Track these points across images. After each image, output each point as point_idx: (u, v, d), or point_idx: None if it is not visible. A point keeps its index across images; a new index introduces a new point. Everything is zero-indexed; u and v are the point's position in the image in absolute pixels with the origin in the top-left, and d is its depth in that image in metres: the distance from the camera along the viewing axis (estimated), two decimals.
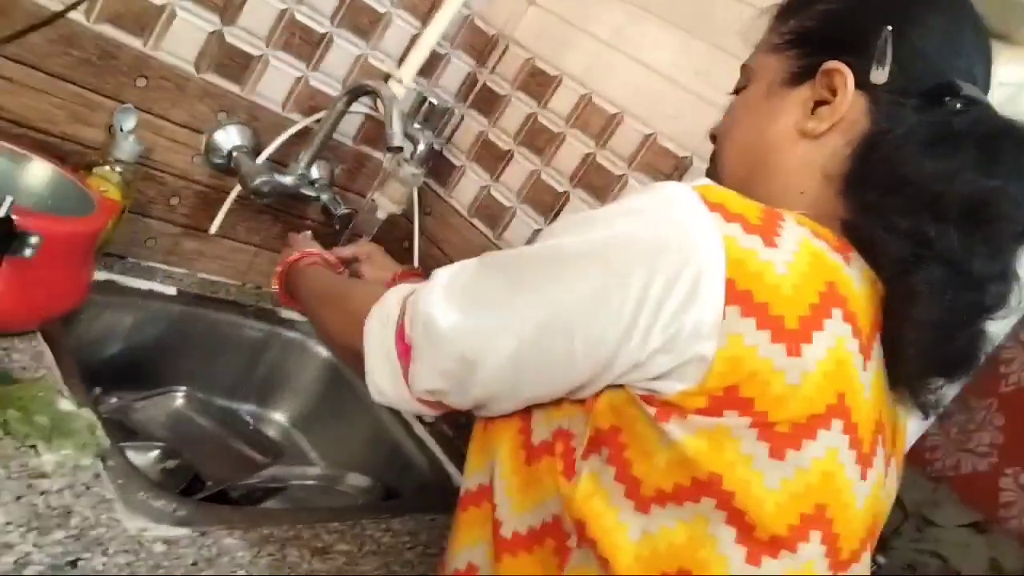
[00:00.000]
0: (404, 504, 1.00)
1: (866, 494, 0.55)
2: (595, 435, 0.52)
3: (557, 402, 0.56)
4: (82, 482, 0.64)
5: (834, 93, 0.61)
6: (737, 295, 0.48)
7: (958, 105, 0.57)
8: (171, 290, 1.09)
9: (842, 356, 0.51)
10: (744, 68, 0.71)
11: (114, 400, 1.00)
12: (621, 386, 0.52)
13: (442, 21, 1.14)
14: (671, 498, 0.50)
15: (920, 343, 0.54)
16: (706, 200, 0.51)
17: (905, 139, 0.56)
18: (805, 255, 0.51)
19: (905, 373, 0.56)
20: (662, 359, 0.49)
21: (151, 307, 1.05)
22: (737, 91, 0.71)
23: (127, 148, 0.92)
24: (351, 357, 0.66)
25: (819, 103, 0.62)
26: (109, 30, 0.90)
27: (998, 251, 0.55)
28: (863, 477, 0.54)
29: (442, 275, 0.61)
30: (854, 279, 0.54)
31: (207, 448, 1.00)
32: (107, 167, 0.92)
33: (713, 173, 0.70)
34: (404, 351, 0.60)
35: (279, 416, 1.24)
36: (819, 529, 0.51)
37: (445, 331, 0.56)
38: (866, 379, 0.53)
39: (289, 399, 1.24)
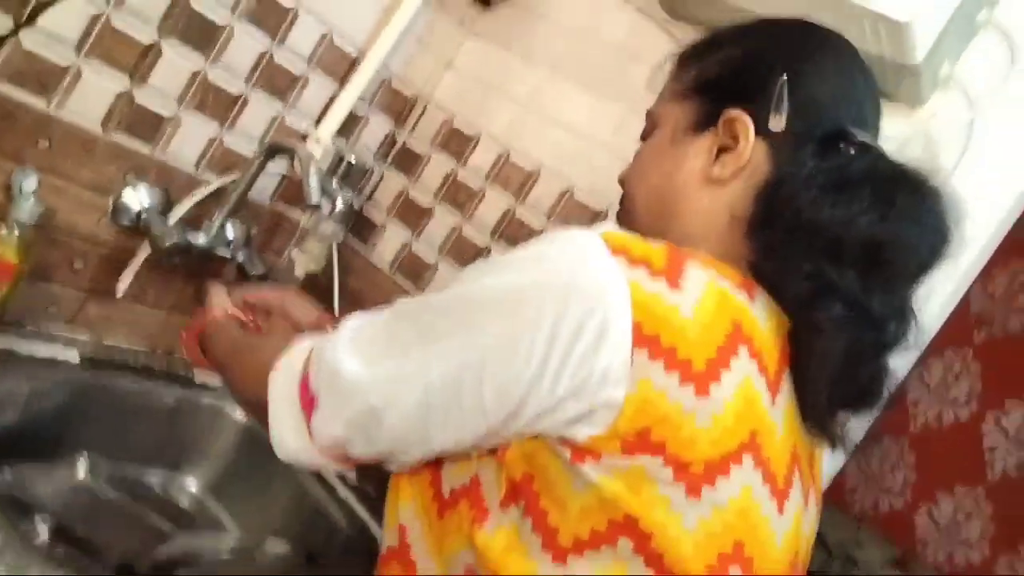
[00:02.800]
0: (327, 571, 0.96)
1: (785, 528, 0.56)
2: (510, 486, 0.52)
3: (466, 453, 0.55)
4: None
5: (736, 140, 0.63)
6: (644, 339, 0.49)
7: (852, 151, 0.60)
8: (73, 357, 1.03)
9: (750, 394, 0.52)
10: (649, 115, 0.73)
11: (7, 475, 0.93)
12: (533, 436, 0.52)
13: (360, 83, 1.15)
14: (588, 544, 0.49)
15: (825, 378, 0.56)
16: (609, 245, 0.52)
17: (805, 185, 0.58)
18: (711, 295, 0.52)
19: (812, 407, 0.58)
20: (571, 405, 0.49)
21: (51, 375, 0.99)
22: (644, 137, 0.74)
23: (26, 210, 0.89)
24: (259, 411, 0.64)
25: (722, 149, 0.64)
26: (9, 89, 0.87)
27: (895, 291, 0.58)
28: (780, 511, 0.55)
29: (350, 324, 0.60)
30: (759, 317, 0.55)
31: (110, 520, 0.94)
32: (4, 230, 0.88)
33: (623, 217, 0.72)
34: (308, 402, 0.58)
35: (191, 482, 1.18)
36: (738, 567, 0.52)
37: (350, 380, 0.56)
38: (776, 415, 0.55)
39: (202, 465, 1.18)
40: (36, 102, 0.89)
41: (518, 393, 0.50)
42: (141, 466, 1.06)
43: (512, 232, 1.17)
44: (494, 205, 1.20)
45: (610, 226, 0.56)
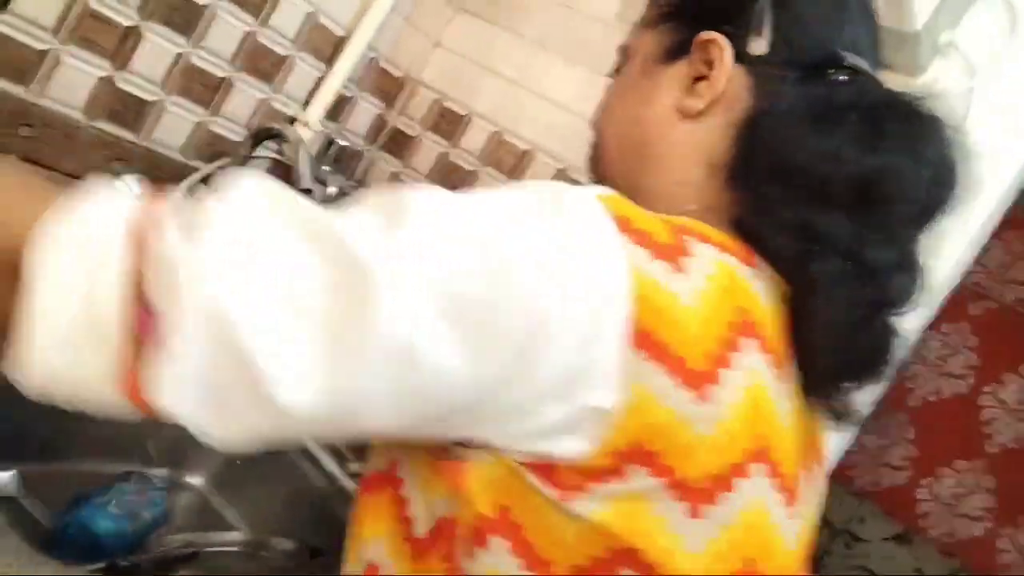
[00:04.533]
0: (331, 562, 0.95)
1: (796, 529, 0.51)
2: (481, 524, 0.43)
3: (428, 479, 0.46)
4: None
5: (711, 66, 0.55)
6: (640, 336, 0.41)
7: (841, 77, 0.53)
8: None
9: (758, 391, 0.45)
10: (620, 49, 0.65)
11: (8, 475, 0.92)
12: (497, 459, 0.42)
13: (347, 64, 1.13)
14: (590, 571, 0.43)
15: (824, 346, 0.49)
16: (616, 219, 0.43)
17: (785, 117, 0.51)
18: (719, 279, 0.45)
19: (814, 380, 0.51)
20: (553, 408, 0.41)
21: None
22: (615, 73, 0.66)
23: None
24: None
25: (697, 79, 0.56)
26: None
27: (894, 237, 0.50)
28: (791, 515, 0.50)
29: (231, 200, 0.39)
30: (760, 293, 0.48)
31: None
32: None
33: (594, 163, 0.65)
34: (143, 324, 0.36)
35: (195, 479, 1.17)
36: None
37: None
38: (785, 405, 0.48)
39: (205, 461, 1.17)
40: (15, 89, 0.87)
41: (494, 370, 0.40)
42: (142, 465, 1.04)
43: None
44: (489, 186, 1.18)
45: (608, 190, 0.47)
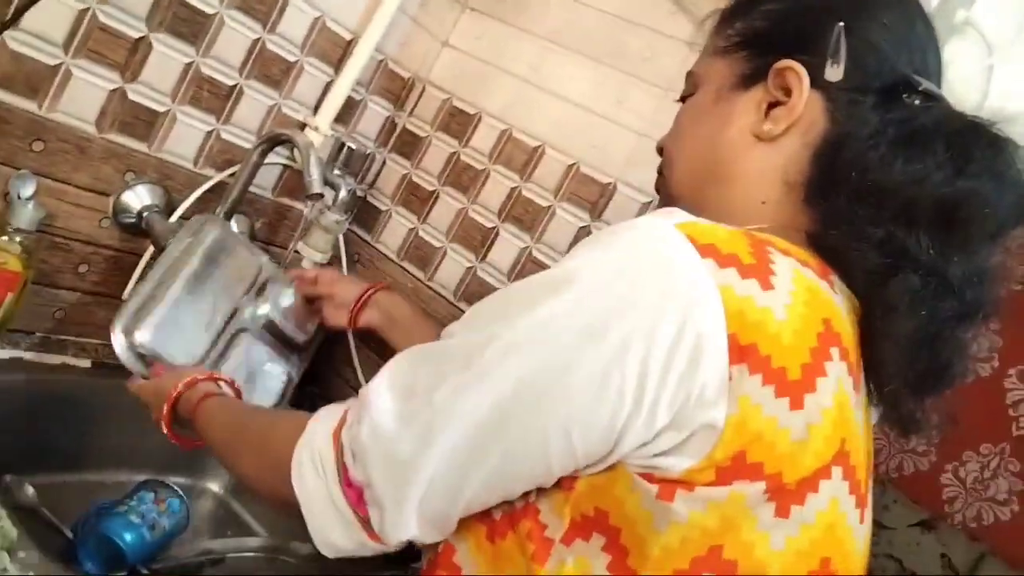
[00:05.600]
0: (353, 564, 0.95)
1: (864, 533, 0.53)
2: (580, 520, 0.47)
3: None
4: None
5: (788, 93, 0.58)
6: (741, 351, 0.44)
7: (917, 101, 0.55)
8: (85, 363, 1.02)
9: (843, 398, 0.48)
10: (690, 75, 0.67)
11: (28, 487, 0.92)
12: (611, 465, 0.47)
13: (355, 67, 1.12)
14: None
15: (900, 359, 0.51)
16: (695, 243, 0.46)
17: (872, 140, 0.53)
18: (801, 293, 0.48)
19: (887, 391, 0.53)
20: (670, 435, 0.44)
21: (64, 383, 0.99)
22: (683, 99, 0.68)
23: (26, 216, 0.87)
24: (278, 504, 0.57)
25: (772, 104, 0.59)
26: None
27: (973, 253, 0.53)
28: (861, 520, 0.52)
29: (376, 387, 0.51)
30: (842, 308, 0.51)
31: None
32: (5, 237, 0.86)
33: (663, 186, 0.67)
34: (357, 499, 0.51)
35: (213, 486, 1.17)
36: None
37: (406, 451, 0.48)
38: (859, 415, 0.51)
39: (222, 468, 1.17)
40: (27, 104, 0.88)
41: (613, 434, 0.45)
42: (162, 473, 1.04)
43: (519, 212, 1.15)
44: (500, 184, 1.17)
45: (685, 216, 0.50)
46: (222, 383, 0.82)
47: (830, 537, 0.48)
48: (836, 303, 0.50)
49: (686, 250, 0.46)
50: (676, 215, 0.50)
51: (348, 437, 0.51)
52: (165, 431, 0.78)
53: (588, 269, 0.47)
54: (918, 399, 0.54)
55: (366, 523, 0.51)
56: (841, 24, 0.56)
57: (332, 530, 0.53)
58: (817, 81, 0.57)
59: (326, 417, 0.55)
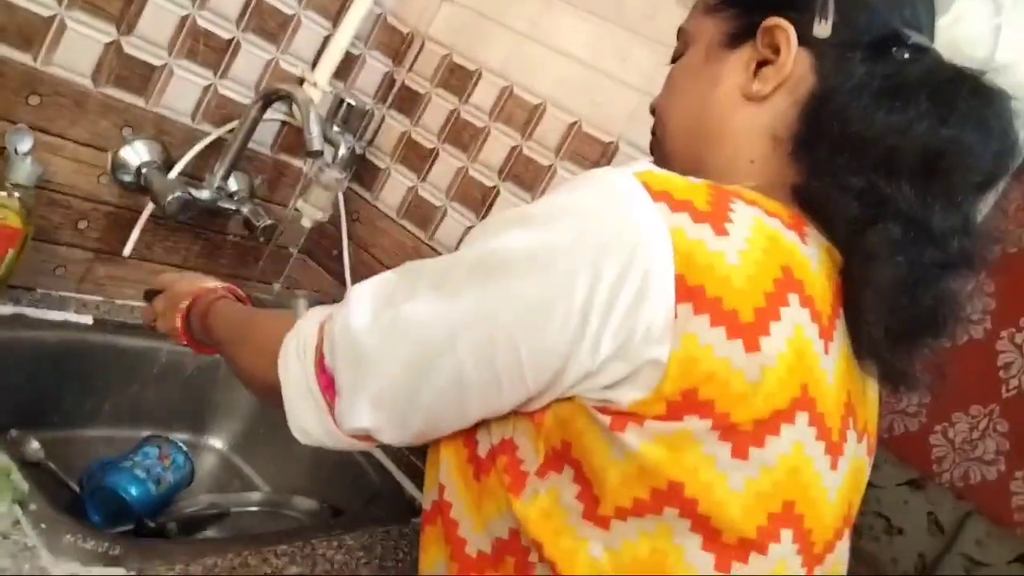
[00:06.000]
0: (355, 519, 0.97)
1: (838, 484, 0.53)
2: (551, 453, 0.49)
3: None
4: None
5: (777, 51, 0.58)
6: (688, 291, 0.45)
7: (906, 55, 0.55)
8: (87, 319, 1.02)
9: (802, 345, 0.49)
10: (680, 32, 0.67)
11: (34, 442, 0.93)
12: (569, 397, 0.49)
13: (353, 21, 1.10)
14: (631, 512, 0.47)
15: (881, 308, 0.51)
16: (650, 189, 0.48)
17: (855, 93, 0.53)
18: (759, 240, 0.48)
19: (869, 343, 0.53)
20: (615, 366, 0.46)
21: (67, 339, 0.99)
22: (675, 59, 0.68)
23: (25, 171, 0.86)
24: (269, 393, 0.60)
25: (762, 63, 0.59)
26: None
27: (957, 203, 0.53)
28: (833, 467, 0.52)
29: (360, 289, 0.56)
30: (811, 258, 0.51)
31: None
32: (4, 193, 0.86)
33: (657, 146, 0.67)
34: (327, 383, 0.54)
35: (216, 442, 1.19)
36: (789, 527, 0.49)
37: (369, 349, 0.52)
38: (829, 364, 0.51)
39: (225, 424, 1.18)
40: (21, 57, 0.86)
41: (558, 358, 0.47)
42: (165, 429, 1.05)
43: (520, 170, 1.14)
44: (500, 143, 1.16)
45: (646, 163, 0.52)
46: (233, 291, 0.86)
47: (793, 481, 0.49)
48: (803, 252, 0.51)
49: (638, 193, 0.48)
50: (637, 165, 0.51)
51: (328, 328, 0.55)
52: (179, 325, 0.80)
53: (548, 207, 0.50)
54: (904, 351, 0.54)
55: (332, 407, 0.54)
56: None
57: (306, 414, 0.56)
58: (805, 38, 0.57)
59: (317, 311, 0.60)
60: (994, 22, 0.85)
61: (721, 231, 0.47)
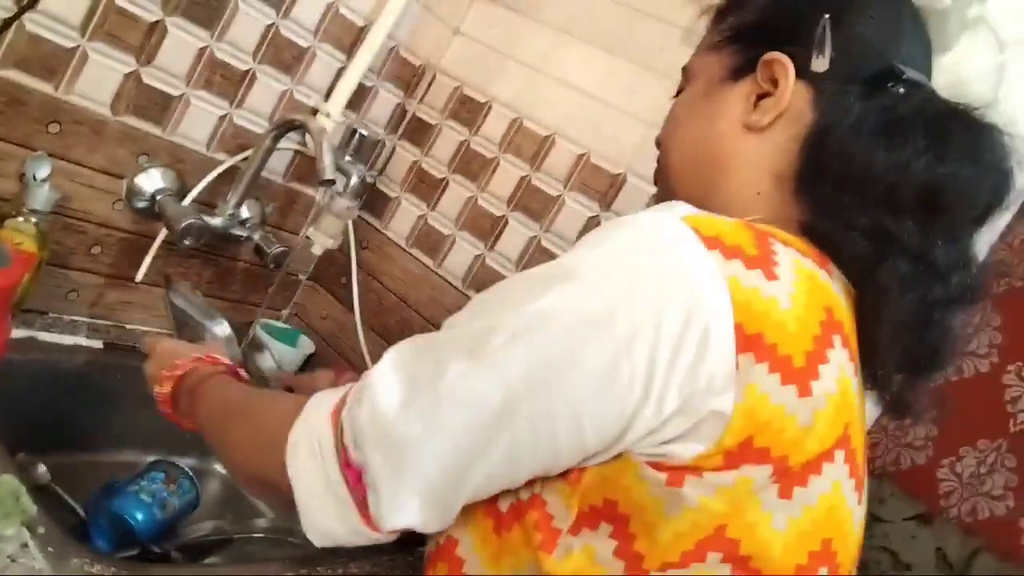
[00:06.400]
0: (360, 547, 0.96)
1: (860, 517, 0.54)
2: (588, 511, 0.47)
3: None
4: (7, 554, 0.59)
5: (776, 84, 0.59)
6: (747, 341, 0.45)
7: (901, 90, 0.56)
8: (98, 344, 1.03)
9: (846, 384, 0.49)
10: (684, 70, 0.69)
11: (41, 466, 0.94)
12: (617, 454, 0.47)
13: (367, 54, 1.13)
14: (678, 565, 0.46)
15: (892, 342, 0.52)
16: (701, 236, 0.47)
17: (854, 130, 0.54)
18: (803, 282, 0.49)
19: (880, 375, 0.54)
20: (678, 421, 0.45)
21: (77, 363, 1.00)
22: (678, 94, 0.70)
23: (41, 197, 0.88)
24: (262, 488, 0.56)
25: (761, 96, 0.60)
26: (16, 75, 0.85)
27: (957, 237, 0.54)
28: (859, 502, 0.53)
29: (380, 371, 0.51)
30: (841, 296, 0.52)
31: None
32: (21, 218, 0.87)
33: (661, 178, 0.68)
34: (356, 479, 0.49)
35: (223, 468, 1.19)
36: (826, 564, 0.49)
37: (411, 434, 0.47)
38: (859, 399, 0.52)
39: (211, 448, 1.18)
40: (43, 87, 0.88)
41: (622, 422, 0.45)
42: (171, 454, 1.05)
43: (528, 201, 1.15)
44: (509, 173, 1.18)
45: (685, 206, 0.51)
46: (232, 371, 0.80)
47: (831, 519, 0.49)
48: (835, 291, 0.52)
49: (692, 241, 0.47)
50: (679, 208, 0.51)
51: (348, 418, 0.50)
52: (167, 390, 0.74)
53: (591, 261, 0.47)
54: (909, 382, 0.56)
55: (362, 505, 0.49)
56: (827, 16, 0.58)
57: (324, 513, 0.51)
58: (804, 72, 0.58)
59: (325, 397, 0.54)
60: (998, 60, 0.87)
61: (772, 276, 0.47)
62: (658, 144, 0.70)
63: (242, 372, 0.79)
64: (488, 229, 1.18)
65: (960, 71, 0.86)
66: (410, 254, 1.25)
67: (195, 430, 0.72)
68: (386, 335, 1.24)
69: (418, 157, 1.28)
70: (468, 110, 1.23)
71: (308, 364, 1.27)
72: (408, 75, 1.27)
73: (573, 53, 1.15)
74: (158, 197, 1.02)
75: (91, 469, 1.02)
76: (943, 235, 0.53)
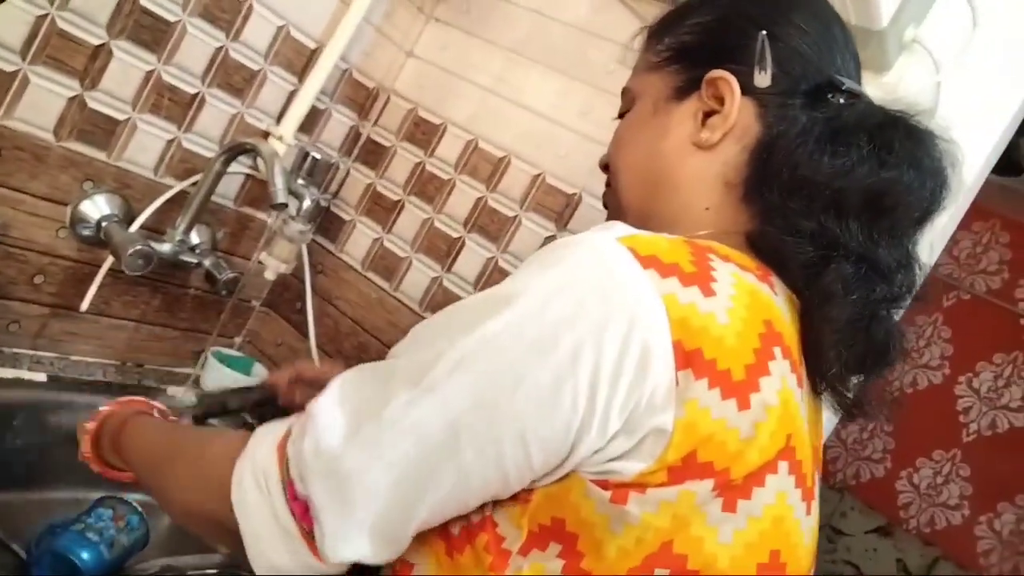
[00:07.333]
0: None
1: (811, 527, 0.54)
2: (538, 530, 0.47)
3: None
4: None
5: (722, 102, 0.60)
6: (686, 357, 0.45)
7: (842, 99, 0.58)
8: (41, 377, 0.99)
9: (788, 395, 0.50)
10: (625, 91, 0.70)
11: None
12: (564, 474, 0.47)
13: (319, 76, 1.12)
14: None
15: (839, 343, 0.53)
16: (637, 255, 0.47)
17: (800, 139, 0.56)
18: (742, 296, 0.49)
19: (828, 376, 0.55)
20: (621, 439, 0.45)
21: (18, 397, 0.96)
22: (621, 115, 0.70)
23: None
24: (207, 525, 0.55)
25: (708, 113, 0.61)
26: None
27: (899, 239, 0.56)
28: (808, 512, 0.53)
29: (322, 402, 0.50)
30: (783, 309, 0.53)
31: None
32: None
33: (611, 199, 0.69)
34: (302, 512, 0.48)
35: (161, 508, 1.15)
36: None
37: (353, 467, 0.46)
38: (803, 410, 0.52)
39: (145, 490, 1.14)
40: None
41: (568, 442, 0.45)
42: (117, 490, 1.02)
43: (485, 222, 1.15)
44: (465, 195, 1.18)
45: (622, 226, 0.51)
46: (155, 411, 0.80)
47: (778, 530, 0.49)
48: (777, 304, 0.52)
49: (628, 262, 0.47)
50: (616, 228, 0.51)
51: (293, 451, 0.49)
52: (86, 450, 0.75)
53: (531, 286, 0.47)
54: (859, 382, 0.57)
55: (310, 537, 0.48)
56: (763, 33, 0.60)
57: (273, 547, 0.50)
58: (747, 88, 0.60)
59: (268, 432, 0.53)
60: (934, 80, 0.90)
61: (709, 292, 0.48)
62: (603, 167, 0.71)
63: (159, 406, 0.79)
64: (445, 251, 1.18)
65: (898, 91, 0.89)
66: (366, 278, 1.24)
67: (126, 479, 0.73)
68: (342, 360, 1.22)
69: (373, 180, 1.27)
70: (423, 132, 1.23)
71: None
72: (362, 97, 1.26)
73: (527, 75, 1.16)
74: (104, 224, 0.99)
75: (34, 508, 0.98)
76: (886, 236, 0.54)
